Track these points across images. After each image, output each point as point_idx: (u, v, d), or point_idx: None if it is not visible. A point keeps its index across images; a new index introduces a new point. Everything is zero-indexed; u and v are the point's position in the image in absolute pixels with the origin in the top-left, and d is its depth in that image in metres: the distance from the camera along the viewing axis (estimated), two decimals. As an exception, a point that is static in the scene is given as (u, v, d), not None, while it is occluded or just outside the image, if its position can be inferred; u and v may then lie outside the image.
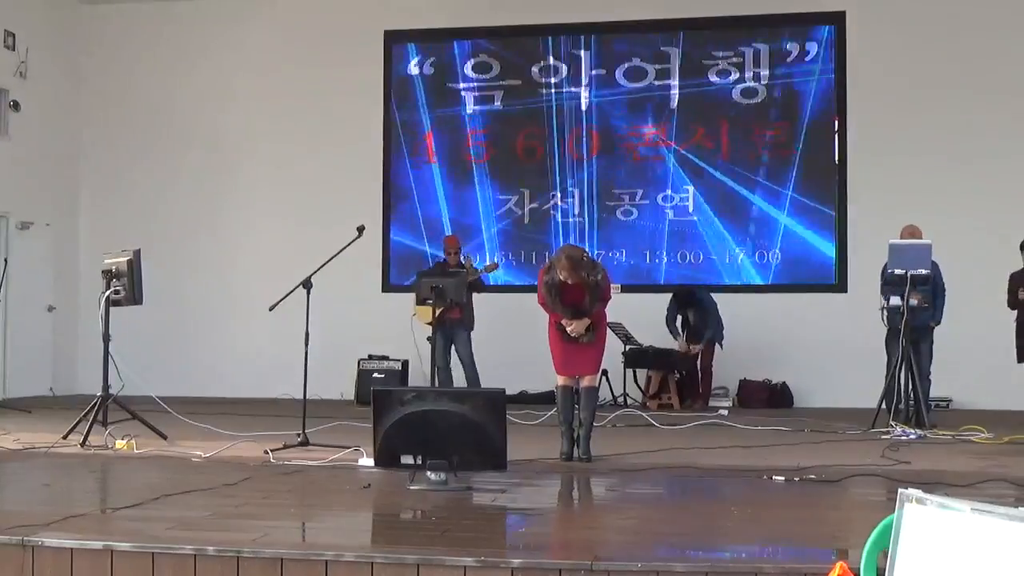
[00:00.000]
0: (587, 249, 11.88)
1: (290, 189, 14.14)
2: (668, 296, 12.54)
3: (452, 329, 11.27)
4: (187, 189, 14.39)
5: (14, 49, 13.67)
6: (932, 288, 9.93)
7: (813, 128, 13.19)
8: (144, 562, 4.41)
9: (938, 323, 10.17)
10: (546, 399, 10.56)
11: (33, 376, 13.62)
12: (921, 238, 9.97)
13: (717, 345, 12.40)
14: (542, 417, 10.00)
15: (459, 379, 11.43)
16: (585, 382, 7.57)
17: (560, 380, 7.59)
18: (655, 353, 12.45)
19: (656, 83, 13.56)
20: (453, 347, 11.41)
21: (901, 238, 10.00)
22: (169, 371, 13.21)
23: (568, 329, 7.43)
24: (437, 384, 10.86)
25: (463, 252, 12.14)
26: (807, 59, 13.25)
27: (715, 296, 12.47)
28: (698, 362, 12.41)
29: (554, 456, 7.46)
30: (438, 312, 10.00)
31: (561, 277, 7.40)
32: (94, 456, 7.65)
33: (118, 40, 14.74)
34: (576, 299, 7.43)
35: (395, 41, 14.16)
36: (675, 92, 13.52)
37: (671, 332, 12.42)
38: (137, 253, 8.62)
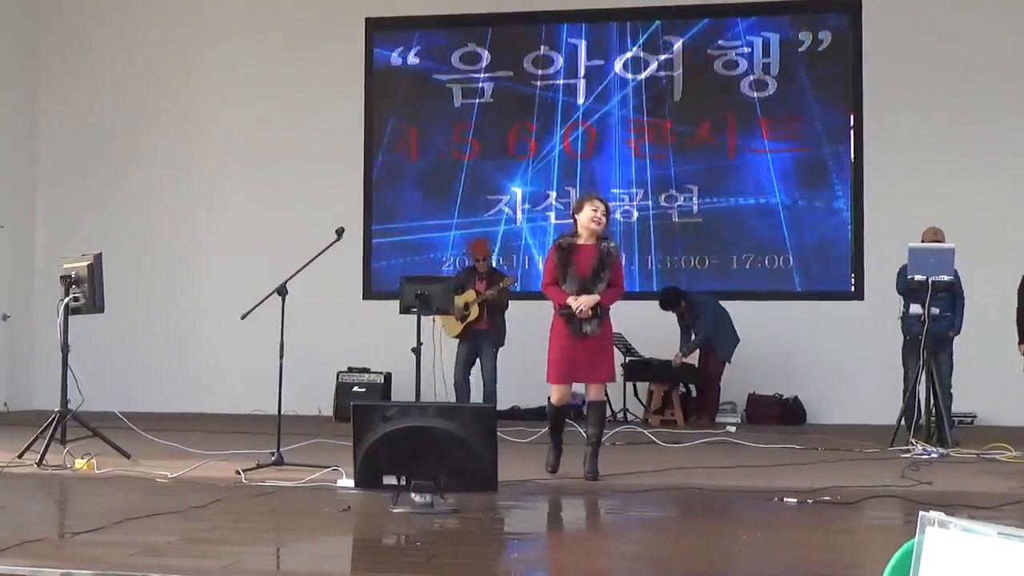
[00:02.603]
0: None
1: (264, 189, 14.14)
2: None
3: (479, 341, 11.27)
4: (153, 189, 14.37)
5: (-34, 39, 13.67)
6: (952, 295, 9.95)
7: (827, 124, 13.22)
8: (106, 591, 4.39)
9: (958, 332, 10.19)
10: (540, 415, 10.56)
11: (-15, 390, 13.60)
12: (944, 241, 9.98)
13: (727, 358, 12.37)
14: (535, 434, 9.99)
15: (476, 394, 11.42)
16: (592, 394, 7.54)
17: (554, 396, 7.57)
18: (658, 365, 12.44)
19: (658, 75, 13.58)
20: (478, 361, 11.39)
21: (923, 241, 10.01)
22: (133, 385, 13.19)
23: (574, 305, 7.33)
24: (455, 399, 10.95)
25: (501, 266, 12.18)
26: (820, 49, 13.29)
27: (723, 304, 12.46)
28: (703, 374, 12.41)
29: (547, 475, 7.46)
30: (464, 323, 10.13)
31: (584, 219, 7.45)
32: (52, 476, 7.61)
33: (78, 31, 14.74)
34: (586, 270, 7.40)
35: (377, 29, 14.17)
36: (679, 84, 13.54)
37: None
38: (98, 257, 8.59)
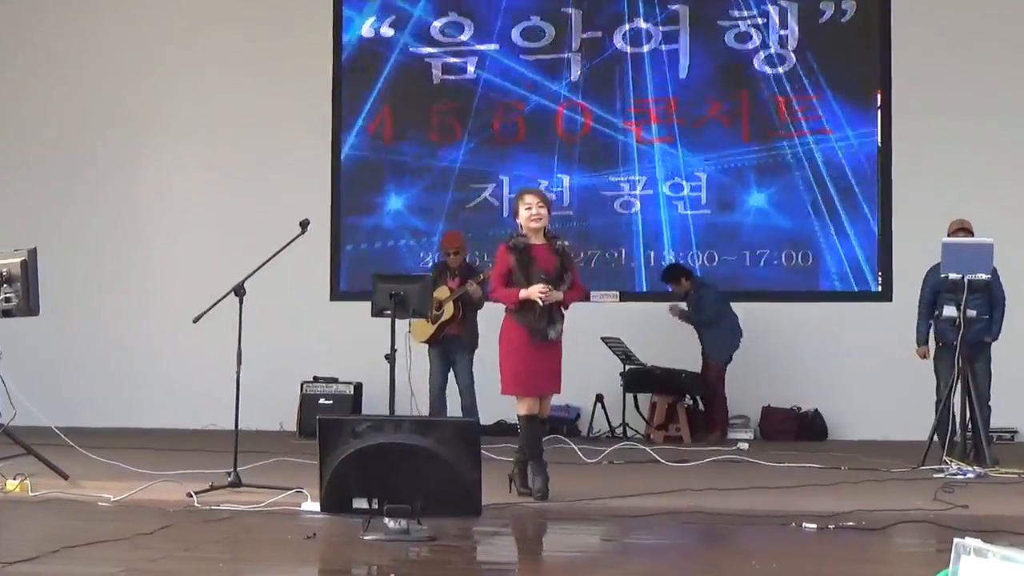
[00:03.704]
0: (579, 250, 12.01)
1: (219, 177, 14.10)
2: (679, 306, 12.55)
3: (451, 347, 11.24)
4: (94, 176, 14.32)
5: None
6: (989, 296, 9.97)
7: (851, 103, 13.21)
8: (40, 629, 4.38)
9: (995, 338, 10.20)
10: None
11: (-96, 402, 13.51)
12: (973, 234, 10.02)
13: (722, 362, 12.39)
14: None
15: (453, 409, 11.38)
16: (544, 408, 7.87)
17: (523, 407, 7.73)
18: (661, 374, 12.44)
19: (662, 48, 13.57)
20: (452, 371, 11.38)
21: (949, 235, 10.04)
22: (71, 396, 13.13)
23: (535, 294, 7.58)
24: (428, 413, 10.93)
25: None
26: (844, 20, 13.30)
27: (733, 306, 12.47)
28: (703, 382, 12.42)
29: (538, 501, 7.48)
30: (434, 326, 10.35)
31: (523, 220, 7.76)
32: (-21, 500, 7.61)
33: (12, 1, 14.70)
34: (550, 271, 7.68)
35: (347, -5, 14.16)
36: (685, 60, 13.55)
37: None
38: (32, 253, 8.55)
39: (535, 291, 7.59)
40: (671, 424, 12.32)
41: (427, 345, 11.22)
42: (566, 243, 7.92)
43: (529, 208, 7.73)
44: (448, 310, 10.95)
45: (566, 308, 7.83)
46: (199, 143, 14.21)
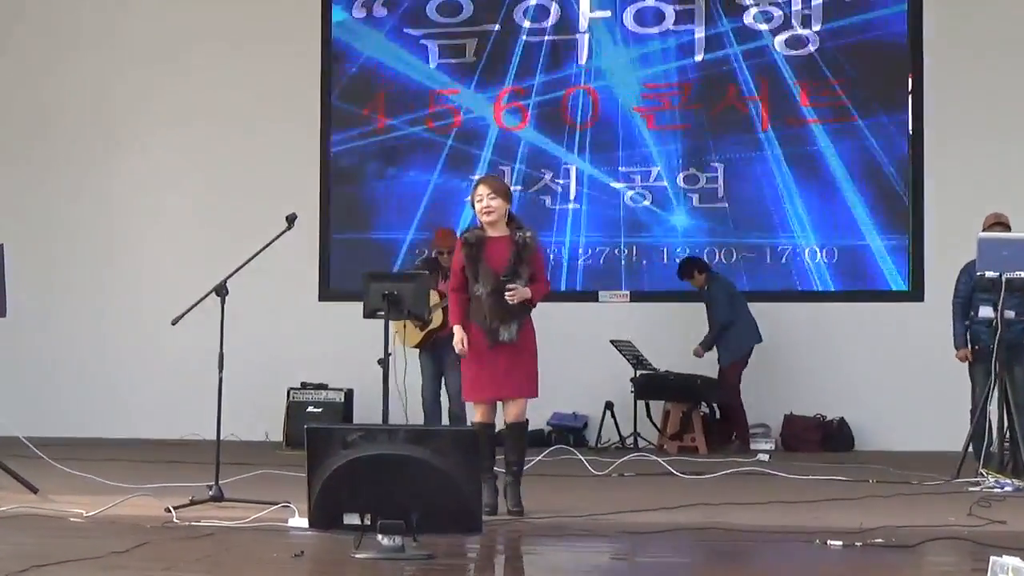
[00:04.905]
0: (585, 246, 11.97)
1: (200, 168, 14.09)
2: (693, 306, 12.54)
3: (442, 352, 11.24)
4: (66, 168, 14.31)
5: None
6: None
7: (880, 88, 13.20)
8: (7, 654, 4.39)
9: (1033, 340, 10.21)
10: (534, 439, 10.56)
11: None
12: (1010, 229, 10.01)
13: (730, 364, 12.41)
14: (529, 463, 9.99)
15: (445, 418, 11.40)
16: (513, 414, 7.72)
17: (476, 415, 7.75)
18: (675, 380, 12.44)
19: (676, 29, 13.57)
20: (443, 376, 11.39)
21: (984, 229, 10.03)
22: (42, 404, 13.15)
23: (507, 295, 7.56)
24: (423, 420, 10.93)
25: None
26: (872, -1, 13.30)
27: (754, 306, 12.46)
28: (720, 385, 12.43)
29: (542, 513, 7.49)
30: (424, 331, 10.45)
31: (477, 213, 7.76)
32: (-58, 516, 7.61)
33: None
34: (500, 266, 7.66)
35: (336, -26, 14.17)
36: (701, 41, 13.53)
37: None
38: (-1, 250, 8.58)
39: (457, 342, 7.72)
40: (686, 434, 12.31)
41: (417, 350, 11.26)
42: (528, 235, 7.81)
43: (480, 200, 7.73)
44: (437, 318, 10.91)
45: (533, 306, 7.78)
46: (178, 133, 14.19)
